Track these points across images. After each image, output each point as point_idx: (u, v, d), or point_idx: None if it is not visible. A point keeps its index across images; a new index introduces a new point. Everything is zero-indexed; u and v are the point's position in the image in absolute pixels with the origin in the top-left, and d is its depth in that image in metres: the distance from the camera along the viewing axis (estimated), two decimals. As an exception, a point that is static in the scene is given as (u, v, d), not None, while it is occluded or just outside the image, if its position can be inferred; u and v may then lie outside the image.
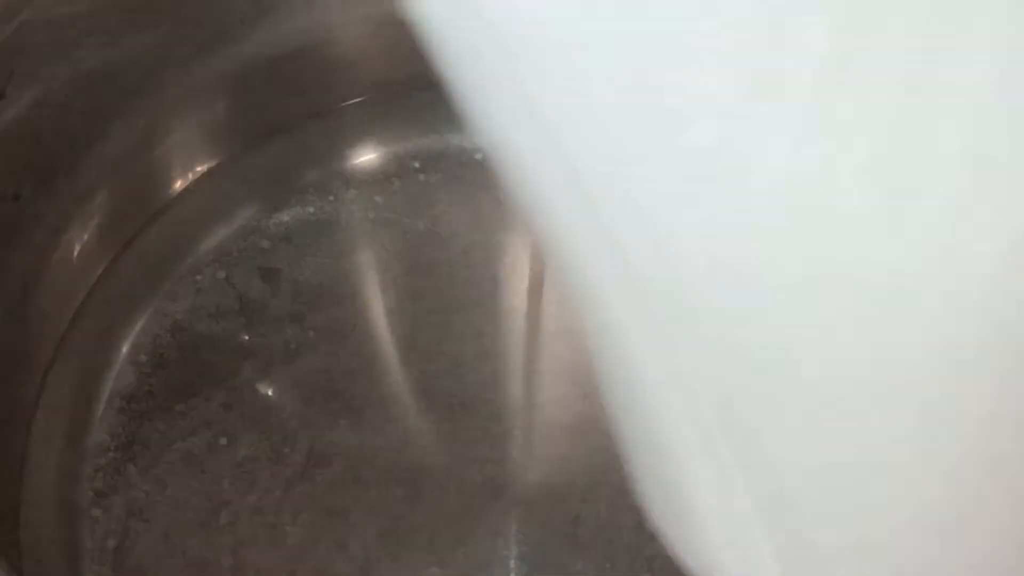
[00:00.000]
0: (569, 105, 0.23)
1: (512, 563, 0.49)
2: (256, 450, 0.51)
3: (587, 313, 0.28)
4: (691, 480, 0.29)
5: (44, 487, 0.50)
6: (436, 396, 0.52)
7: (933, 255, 0.22)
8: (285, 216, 0.57)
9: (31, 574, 0.48)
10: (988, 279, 0.23)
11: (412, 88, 0.57)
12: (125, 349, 0.53)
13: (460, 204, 0.57)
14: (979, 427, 0.25)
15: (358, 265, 0.56)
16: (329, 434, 0.51)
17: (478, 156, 0.58)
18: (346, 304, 0.54)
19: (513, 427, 0.52)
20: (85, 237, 0.54)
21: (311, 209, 0.57)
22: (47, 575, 0.48)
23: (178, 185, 0.57)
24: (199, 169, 0.57)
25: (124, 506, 0.50)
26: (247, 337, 0.54)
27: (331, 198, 0.57)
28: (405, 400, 0.52)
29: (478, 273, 0.56)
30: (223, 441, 0.51)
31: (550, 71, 0.22)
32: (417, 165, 0.58)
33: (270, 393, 0.52)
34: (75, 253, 0.53)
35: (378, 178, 0.58)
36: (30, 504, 0.50)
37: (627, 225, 0.24)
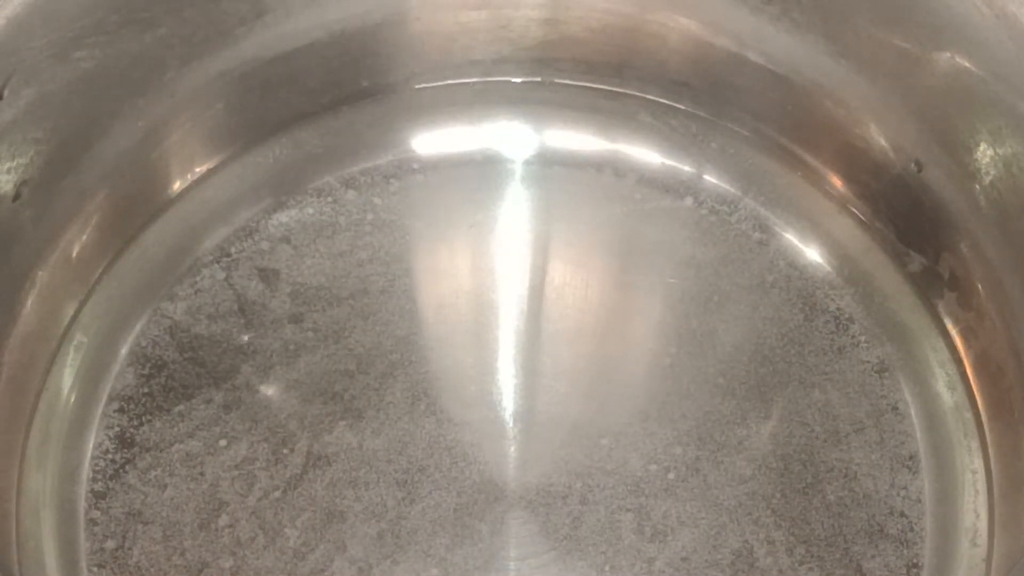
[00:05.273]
0: None
1: (512, 564, 0.49)
2: (255, 451, 0.51)
3: None
4: None
5: (43, 488, 0.50)
6: (436, 396, 0.52)
7: None
8: (284, 217, 0.57)
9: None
10: None
11: (411, 88, 0.57)
12: (124, 350, 0.53)
13: (459, 205, 0.57)
14: None
15: (357, 266, 0.56)
16: (328, 435, 0.51)
17: (478, 157, 0.58)
18: (345, 305, 0.54)
19: (513, 427, 0.52)
20: (84, 237, 0.54)
21: (310, 210, 0.57)
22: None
23: (177, 185, 0.57)
24: (198, 170, 0.57)
25: (123, 508, 0.50)
26: (246, 338, 0.54)
27: (330, 199, 0.57)
28: (405, 401, 0.52)
29: (477, 274, 0.56)
30: (222, 442, 0.51)
31: None
32: (416, 166, 0.58)
33: (269, 394, 0.52)
34: (75, 253, 0.53)
35: (377, 179, 0.58)
36: (29, 505, 0.50)
37: None
